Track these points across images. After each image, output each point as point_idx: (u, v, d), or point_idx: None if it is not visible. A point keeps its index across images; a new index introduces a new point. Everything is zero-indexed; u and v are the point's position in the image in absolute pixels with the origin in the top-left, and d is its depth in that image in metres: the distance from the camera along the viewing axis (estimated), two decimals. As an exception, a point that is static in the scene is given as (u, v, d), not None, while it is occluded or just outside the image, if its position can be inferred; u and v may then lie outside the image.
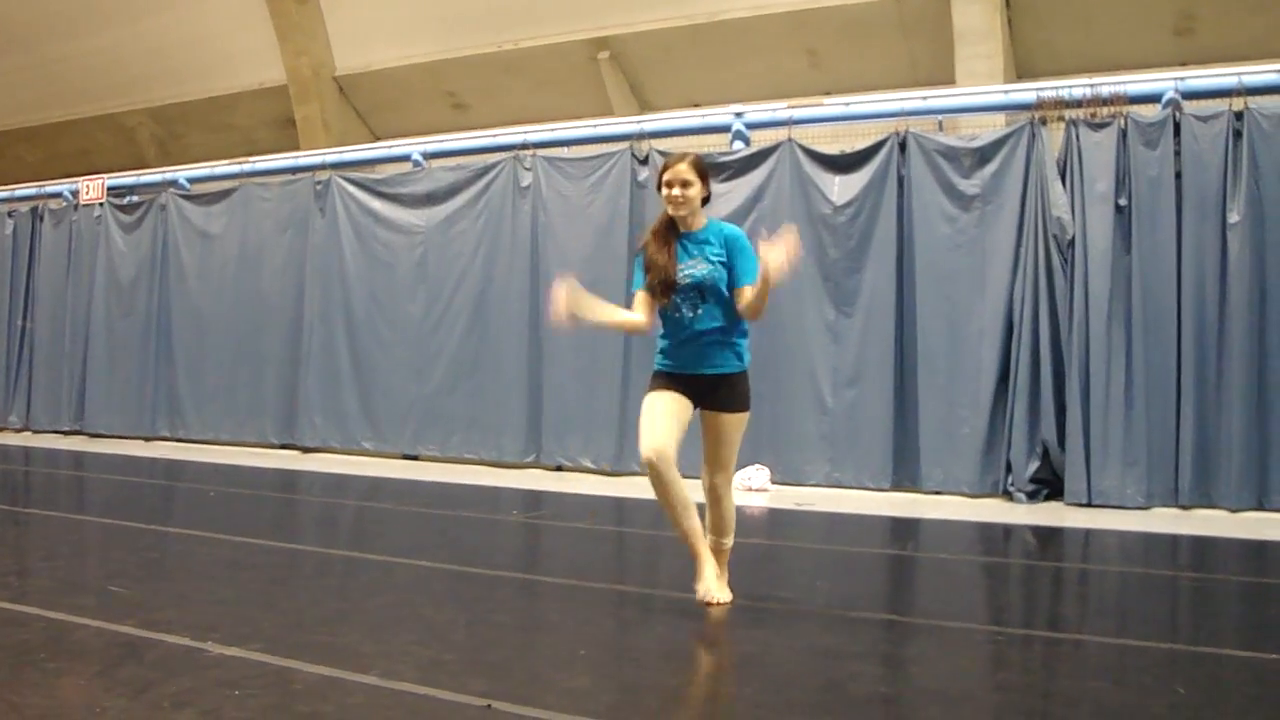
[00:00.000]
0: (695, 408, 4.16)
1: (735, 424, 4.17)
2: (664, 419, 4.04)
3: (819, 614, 4.24)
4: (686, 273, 4.07)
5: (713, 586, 4.11)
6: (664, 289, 4.09)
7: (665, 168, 4.13)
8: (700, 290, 4.06)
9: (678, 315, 4.13)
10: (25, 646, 3.35)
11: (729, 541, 4.31)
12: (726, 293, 4.07)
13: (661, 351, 4.22)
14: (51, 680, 3.01)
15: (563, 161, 10.04)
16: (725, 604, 4.06)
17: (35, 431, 13.13)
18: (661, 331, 4.21)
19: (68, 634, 3.50)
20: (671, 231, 4.17)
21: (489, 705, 2.87)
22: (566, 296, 4.05)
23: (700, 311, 4.08)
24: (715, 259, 4.07)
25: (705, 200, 4.17)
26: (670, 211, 4.13)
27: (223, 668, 3.13)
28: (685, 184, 4.08)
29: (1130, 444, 7.78)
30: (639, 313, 4.20)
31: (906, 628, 4.12)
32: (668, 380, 4.16)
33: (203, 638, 3.42)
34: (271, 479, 9.21)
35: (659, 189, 4.16)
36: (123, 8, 14.74)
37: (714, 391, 4.12)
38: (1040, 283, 8.10)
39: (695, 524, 4.14)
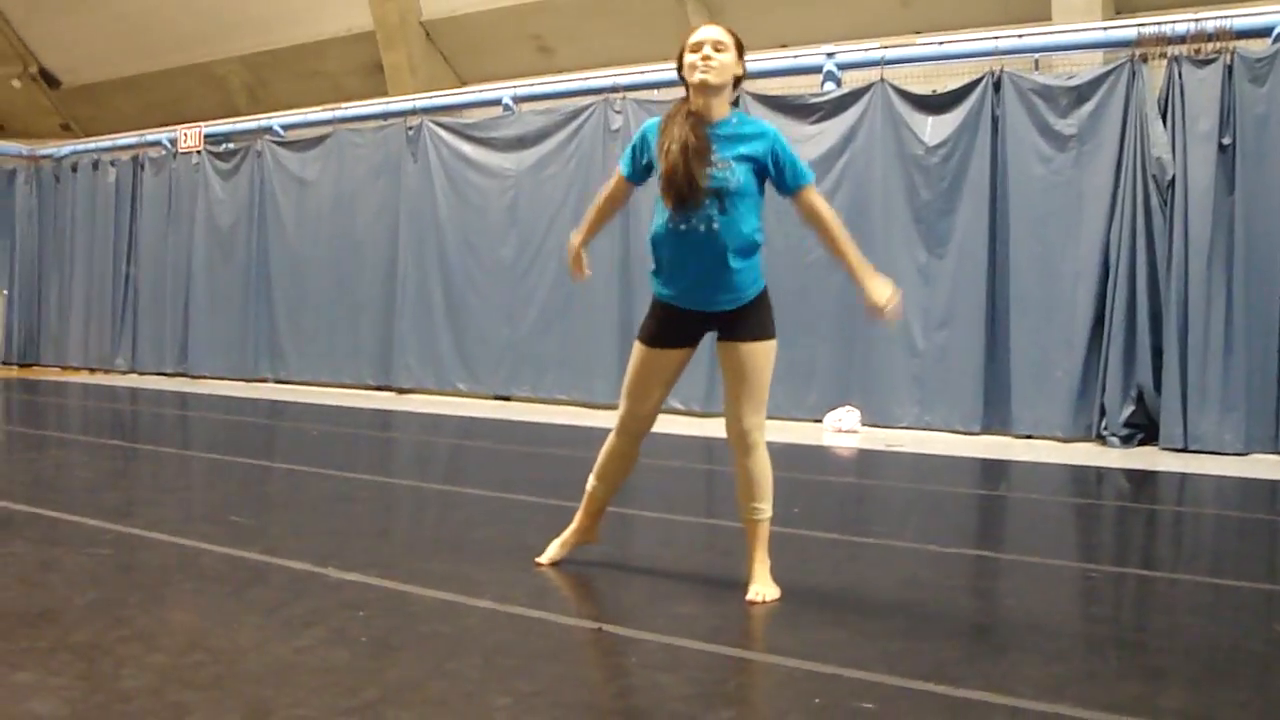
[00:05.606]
0: (696, 345, 3.50)
1: (761, 353, 3.34)
2: (654, 388, 3.49)
3: (912, 549, 4.32)
4: (707, 173, 3.21)
5: (760, 581, 3.35)
6: (685, 192, 3.20)
7: (692, 32, 3.30)
8: (720, 197, 3.21)
9: (685, 228, 3.25)
10: (163, 569, 3.57)
11: (766, 509, 3.38)
12: (752, 202, 3.29)
13: (658, 273, 3.41)
14: (191, 599, 3.22)
15: (653, 104, 10.03)
16: (773, 601, 3.30)
17: (141, 373, 13.65)
18: (656, 238, 3.36)
19: (198, 558, 3.71)
20: (695, 121, 3.26)
21: (600, 628, 3.00)
22: (572, 258, 3.74)
23: (718, 226, 3.22)
24: (745, 156, 3.25)
25: (737, 84, 3.33)
26: (695, 80, 3.23)
27: (344, 591, 3.31)
28: (718, 46, 3.24)
29: (1229, 388, 7.65)
30: (609, 191, 3.56)
31: (999, 563, 4.18)
32: (666, 319, 3.42)
33: (323, 564, 3.61)
34: (370, 418, 9.50)
35: (679, 63, 3.31)
36: (211, -42, 14.99)
37: (730, 322, 3.35)
38: (1138, 224, 7.95)
39: (605, 498, 3.67)
